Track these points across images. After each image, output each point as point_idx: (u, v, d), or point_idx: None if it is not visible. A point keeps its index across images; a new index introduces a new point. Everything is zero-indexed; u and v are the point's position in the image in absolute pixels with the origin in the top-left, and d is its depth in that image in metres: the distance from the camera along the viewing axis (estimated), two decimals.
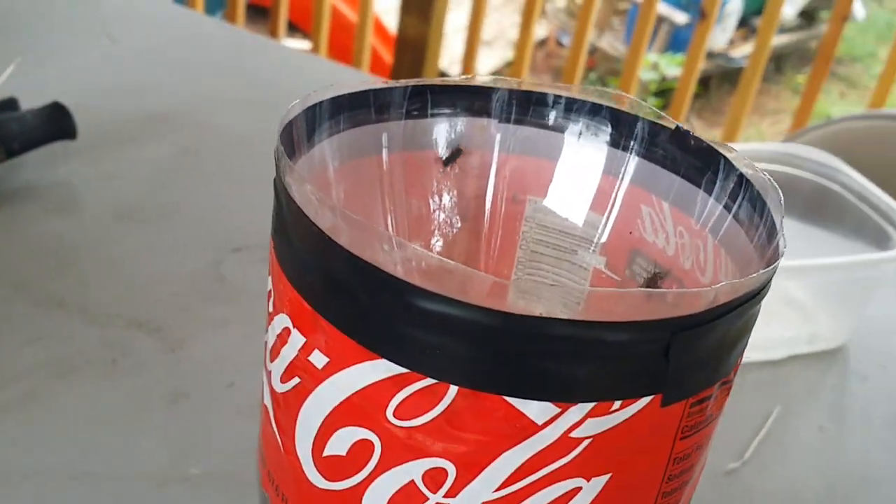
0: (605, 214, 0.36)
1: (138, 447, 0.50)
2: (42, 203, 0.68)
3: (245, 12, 2.13)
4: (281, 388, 0.29)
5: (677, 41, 3.38)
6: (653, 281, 0.35)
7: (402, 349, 0.25)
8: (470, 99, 0.35)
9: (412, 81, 0.34)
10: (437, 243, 0.36)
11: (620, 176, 0.35)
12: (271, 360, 0.29)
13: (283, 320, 0.28)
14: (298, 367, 0.28)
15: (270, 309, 0.29)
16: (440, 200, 0.36)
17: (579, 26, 2.00)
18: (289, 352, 0.28)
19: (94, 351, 0.56)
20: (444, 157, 0.34)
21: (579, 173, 0.36)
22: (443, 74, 2.67)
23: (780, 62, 3.79)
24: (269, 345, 0.29)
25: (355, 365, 0.26)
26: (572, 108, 0.35)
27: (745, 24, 3.73)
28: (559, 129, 0.35)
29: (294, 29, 3.00)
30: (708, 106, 3.48)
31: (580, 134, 0.35)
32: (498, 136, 0.36)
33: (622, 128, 0.35)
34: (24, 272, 0.61)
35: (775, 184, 0.30)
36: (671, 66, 3.31)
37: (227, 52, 0.99)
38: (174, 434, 0.51)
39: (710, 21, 1.99)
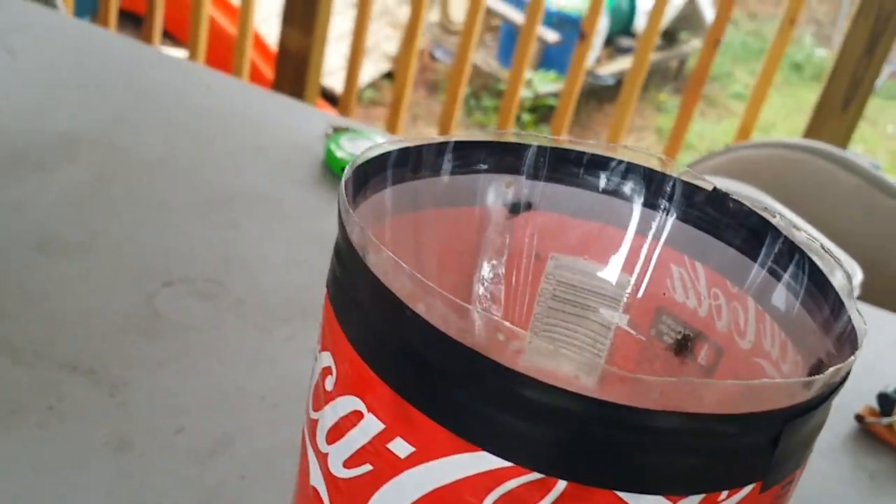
0: (632, 273, 0.35)
1: (85, 502, 0.46)
2: None
3: (117, 18, 2.05)
4: (344, 473, 0.26)
5: (548, 58, 3.45)
6: (683, 343, 0.34)
7: (507, 441, 0.23)
8: (500, 155, 0.34)
9: (441, 138, 0.32)
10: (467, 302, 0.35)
11: (651, 235, 0.34)
12: (329, 442, 0.27)
13: (351, 402, 0.26)
14: (372, 453, 0.26)
15: (329, 387, 0.27)
16: (467, 258, 0.34)
17: (462, 43, 2.01)
18: (359, 436, 0.26)
19: (26, 396, 0.52)
20: (509, 207, 0.33)
21: (607, 231, 0.35)
22: (322, 88, 2.63)
23: (643, 80, 3.92)
24: (327, 425, 0.27)
25: (449, 456, 0.24)
26: (604, 165, 0.34)
27: (611, 44, 3.85)
28: (589, 187, 0.35)
29: (167, 36, 2.90)
30: (577, 121, 3.56)
31: (611, 192, 0.34)
32: (524, 193, 0.35)
33: (655, 186, 0.34)
34: None
35: (834, 253, 0.30)
36: (544, 83, 3.38)
37: (129, 67, 0.94)
38: (121, 487, 0.48)
39: (589, 42, 2.04)
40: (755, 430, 0.24)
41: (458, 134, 0.32)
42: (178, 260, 0.66)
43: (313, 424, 0.28)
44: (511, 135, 0.33)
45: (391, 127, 2.11)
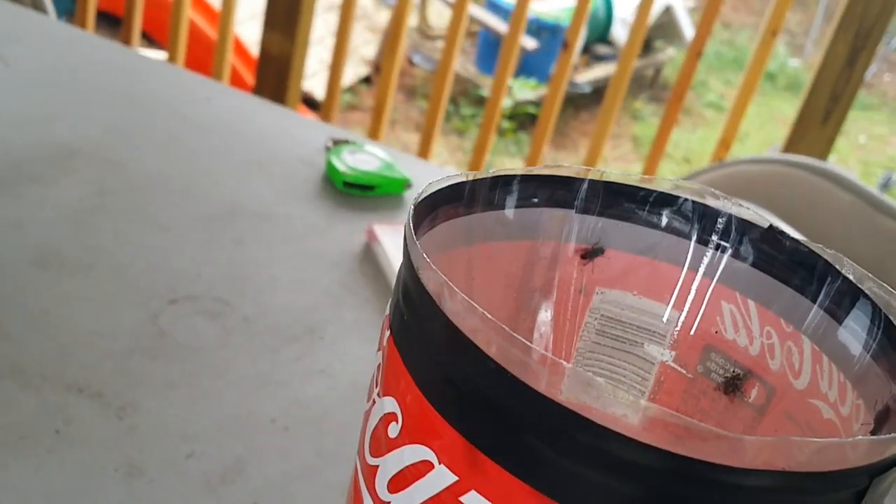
0: (682, 309, 0.35)
1: None
2: None
3: (95, 19, 2.02)
4: None
5: (527, 66, 3.45)
6: (733, 382, 0.34)
7: (590, 497, 0.23)
8: (552, 189, 0.33)
9: (495, 173, 0.31)
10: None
11: (702, 271, 0.34)
12: (392, 491, 0.26)
13: (419, 452, 0.25)
14: None
15: (393, 434, 0.26)
16: (514, 291, 0.34)
17: (445, 50, 2.00)
18: (428, 487, 0.25)
19: (34, 420, 0.50)
20: (583, 254, 0.32)
21: (658, 266, 0.34)
22: (304, 93, 2.61)
23: None
24: (391, 473, 0.26)
25: None
26: (658, 200, 0.34)
27: (588, 51, 3.86)
28: (641, 222, 0.34)
29: (145, 38, 2.87)
30: (554, 128, 3.56)
31: (663, 227, 0.34)
32: (573, 228, 0.34)
33: (708, 222, 0.33)
34: None
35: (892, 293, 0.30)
36: (523, 90, 3.38)
37: (127, 76, 0.92)
38: None
39: (572, 51, 2.04)
40: (843, 486, 0.23)
41: (509, 168, 0.31)
42: (182, 277, 0.65)
43: (372, 471, 0.27)
44: (564, 168, 0.32)
45: (373, 132, 2.10)
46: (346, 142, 0.87)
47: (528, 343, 0.22)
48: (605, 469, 0.22)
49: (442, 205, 0.30)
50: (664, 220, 0.34)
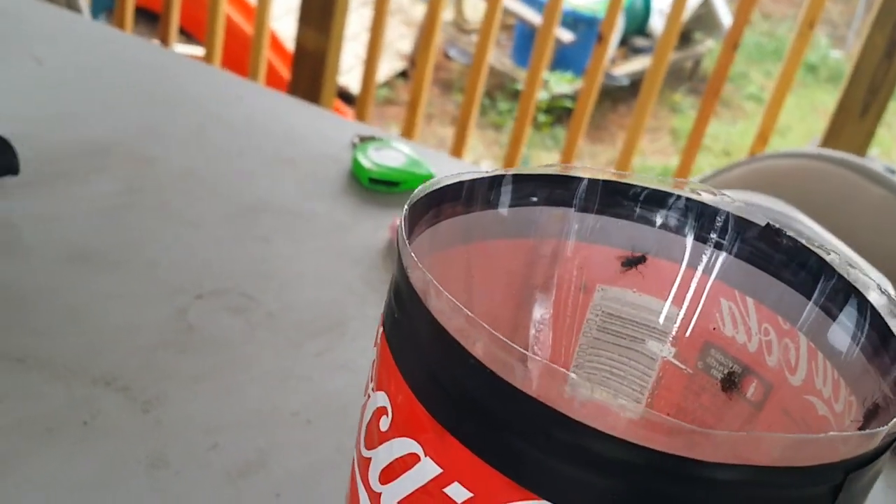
0: (681, 306, 0.35)
1: None
2: None
3: (133, 16, 2.05)
4: None
5: (563, 59, 3.45)
6: (730, 379, 0.34)
7: (568, 491, 0.23)
8: (551, 188, 0.34)
9: (493, 172, 0.32)
10: (513, 333, 0.35)
11: (701, 269, 0.34)
12: (382, 482, 0.27)
13: (406, 445, 0.26)
14: (426, 496, 0.25)
15: (384, 428, 0.27)
16: (515, 289, 0.34)
17: (480, 44, 2.01)
18: (415, 479, 0.26)
19: (62, 412, 0.52)
20: (624, 261, 0.33)
21: (657, 264, 0.35)
22: (340, 88, 2.63)
23: None
24: (381, 464, 0.27)
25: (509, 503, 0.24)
26: (656, 199, 0.34)
27: (626, 44, 3.84)
28: (640, 220, 0.34)
29: (183, 34, 2.90)
30: (591, 122, 3.55)
31: (661, 225, 0.34)
32: (573, 226, 0.34)
33: (706, 220, 0.34)
34: None
35: (864, 268, 0.30)
36: (560, 84, 3.37)
37: (158, 74, 0.94)
38: None
39: (607, 43, 2.04)
40: (818, 481, 0.24)
41: (508, 168, 0.32)
42: (209, 272, 0.66)
43: (365, 462, 0.28)
44: (562, 167, 0.33)
45: (408, 126, 2.10)
46: (373, 138, 0.88)
47: (509, 342, 0.23)
48: (583, 464, 0.23)
49: (443, 203, 0.31)
50: (662, 218, 0.34)
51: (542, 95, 3.36)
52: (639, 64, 3.71)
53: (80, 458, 0.49)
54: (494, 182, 0.32)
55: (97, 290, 0.62)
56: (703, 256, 0.34)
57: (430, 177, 0.82)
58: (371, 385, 0.29)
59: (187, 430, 0.53)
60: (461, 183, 0.31)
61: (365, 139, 0.87)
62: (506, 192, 0.33)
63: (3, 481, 0.46)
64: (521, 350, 0.22)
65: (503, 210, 0.33)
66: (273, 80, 2.63)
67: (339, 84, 2.96)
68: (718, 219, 0.34)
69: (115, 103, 0.85)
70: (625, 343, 0.36)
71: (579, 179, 0.33)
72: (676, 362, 0.35)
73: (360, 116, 2.07)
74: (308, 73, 2.05)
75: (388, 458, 0.27)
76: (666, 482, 0.23)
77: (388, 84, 3.45)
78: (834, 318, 0.31)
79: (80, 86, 0.87)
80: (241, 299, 0.65)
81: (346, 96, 3.02)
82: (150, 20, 2.77)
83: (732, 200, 0.33)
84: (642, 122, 2.02)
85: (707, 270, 0.34)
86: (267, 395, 0.57)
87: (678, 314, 0.35)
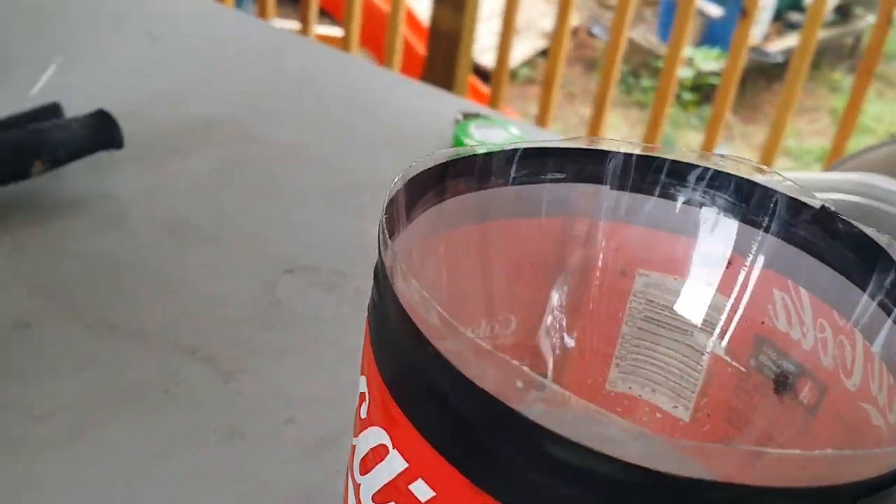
0: (730, 296, 0.32)
1: (191, 489, 0.46)
2: (91, 217, 0.64)
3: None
4: None
5: (712, 35, 3.31)
6: (782, 380, 0.30)
7: (532, 499, 0.21)
8: (581, 163, 0.31)
9: (518, 145, 0.30)
10: (542, 317, 0.32)
11: (751, 255, 0.31)
12: (362, 473, 0.25)
13: (379, 435, 0.24)
14: (395, 491, 0.24)
15: (363, 415, 0.25)
16: (543, 271, 0.32)
17: (616, 20, 1.95)
18: (385, 472, 0.24)
19: (146, 380, 0.52)
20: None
21: (702, 249, 0.31)
22: (476, 65, 2.61)
23: (815, 58, 3.72)
24: (360, 454, 0.25)
25: None
26: (698, 176, 0.31)
27: (780, 19, 3.66)
28: (680, 200, 0.31)
29: (324, 14, 2.95)
30: (743, 101, 3.41)
31: (705, 205, 0.31)
32: (607, 205, 0.31)
33: (756, 202, 0.30)
34: (76, 292, 0.57)
35: None
36: (707, 61, 3.25)
37: (269, 53, 0.94)
38: (229, 474, 0.47)
39: (751, 19, 1.94)
40: None
41: (525, 143, 0.29)
42: (302, 248, 0.66)
43: (352, 450, 0.27)
44: (591, 141, 0.30)
45: (544, 106, 2.07)
46: (477, 116, 0.85)
47: (469, 335, 0.21)
48: (545, 471, 0.20)
49: (452, 178, 0.29)
50: (706, 198, 0.31)
51: (687, 73, 3.24)
52: (794, 40, 3.53)
53: (157, 427, 0.50)
54: (512, 156, 0.30)
55: (191, 263, 0.63)
56: (752, 241, 0.31)
57: None
58: (360, 370, 0.27)
59: (265, 402, 0.53)
60: (474, 156, 0.29)
61: (469, 116, 0.85)
62: (526, 167, 0.30)
63: (78, 447, 0.47)
64: (474, 339, 0.20)
65: (523, 187, 0.30)
66: (410, 58, 2.64)
67: (478, 62, 2.94)
68: (769, 200, 0.30)
69: (223, 80, 0.86)
70: (670, 335, 0.33)
71: (612, 154, 0.30)
72: (727, 358, 0.32)
73: (495, 95, 2.05)
74: (443, 53, 2.04)
75: (365, 448, 0.25)
76: (642, 498, 0.20)
77: (529, 63, 3.41)
78: (890, 314, 0.27)
79: (191, 62, 0.88)
80: (332, 275, 0.64)
81: (484, 75, 3.01)
82: (294, 1, 2.83)
83: (783, 179, 0.29)
84: (792, 100, 1.92)
85: (756, 256, 0.31)
86: (348, 372, 0.56)
87: (725, 305, 0.32)
